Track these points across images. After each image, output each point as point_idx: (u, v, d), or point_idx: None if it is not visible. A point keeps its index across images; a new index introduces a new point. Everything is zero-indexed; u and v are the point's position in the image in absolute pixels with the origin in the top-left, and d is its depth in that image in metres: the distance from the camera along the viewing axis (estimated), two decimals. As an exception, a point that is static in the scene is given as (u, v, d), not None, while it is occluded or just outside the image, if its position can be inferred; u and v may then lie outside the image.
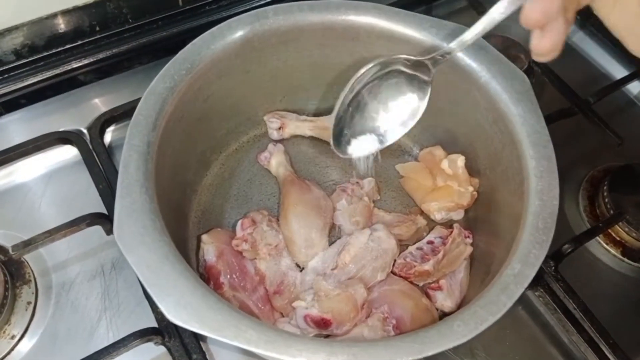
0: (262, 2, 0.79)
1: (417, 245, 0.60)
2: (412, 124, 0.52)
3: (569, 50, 0.87)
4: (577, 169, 0.74)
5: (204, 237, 0.57)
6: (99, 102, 0.74)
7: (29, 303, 0.58)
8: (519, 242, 0.47)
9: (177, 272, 0.43)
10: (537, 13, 0.38)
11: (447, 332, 0.42)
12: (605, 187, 0.69)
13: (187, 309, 0.41)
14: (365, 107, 0.52)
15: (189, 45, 0.56)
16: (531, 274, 0.45)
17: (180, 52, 0.55)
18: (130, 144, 0.49)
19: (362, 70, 0.51)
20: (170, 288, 0.42)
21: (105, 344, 0.53)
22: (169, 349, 0.54)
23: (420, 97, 0.51)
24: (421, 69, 0.51)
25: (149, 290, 0.42)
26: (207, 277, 0.55)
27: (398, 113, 0.52)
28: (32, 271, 0.60)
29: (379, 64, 0.51)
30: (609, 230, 0.68)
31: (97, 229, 0.60)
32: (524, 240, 0.47)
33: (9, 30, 0.67)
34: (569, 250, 0.61)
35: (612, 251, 0.67)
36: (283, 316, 0.55)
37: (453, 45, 0.49)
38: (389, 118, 0.52)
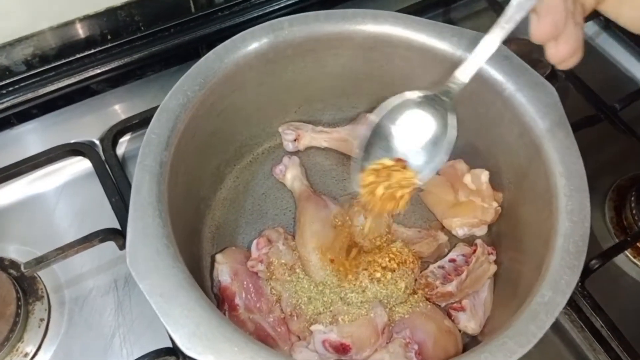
0: (275, 7, 0.77)
1: (438, 263, 0.58)
2: (444, 158, 0.49)
3: (593, 54, 0.84)
4: (603, 179, 0.71)
5: (218, 257, 0.56)
6: (112, 111, 0.73)
7: (42, 320, 0.57)
8: (548, 267, 0.46)
9: (192, 300, 0.42)
10: (548, 26, 0.38)
11: (475, 366, 0.41)
12: (632, 197, 0.67)
13: (202, 340, 0.40)
14: (391, 148, 0.50)
15: (202, 60, 0.54)
16: (562, 302, 0.44)
17: (193, 67, 0.54)
18: (143, 165, 0.47)
19: (384, 111, 0.49)
20: (184, 318, 0.41)
21: (119, 362, 0.52)
22: (183, 370, 0.53)
23: (443, 129, 0.49)
24: (438, 101, 0.48)
25: (162, 320, 0.41)
26: (221, 298, 0.54)
27: (426, 149, 0.50)
28: (44, 287, 0.59)
29: (396, 106, 0.49)
30: (638, 244, 0.65)
31: (110, 243, 0.59)
32: (554, 264, 0.45)
33: (19, 40, 0.66)
34: (597, 266, 0.59)
35: (641, 265, 0.65)
36: (300, 339, 0.54)
37: (459, 71, 0.46)
38: (417, 155, 0.50)
